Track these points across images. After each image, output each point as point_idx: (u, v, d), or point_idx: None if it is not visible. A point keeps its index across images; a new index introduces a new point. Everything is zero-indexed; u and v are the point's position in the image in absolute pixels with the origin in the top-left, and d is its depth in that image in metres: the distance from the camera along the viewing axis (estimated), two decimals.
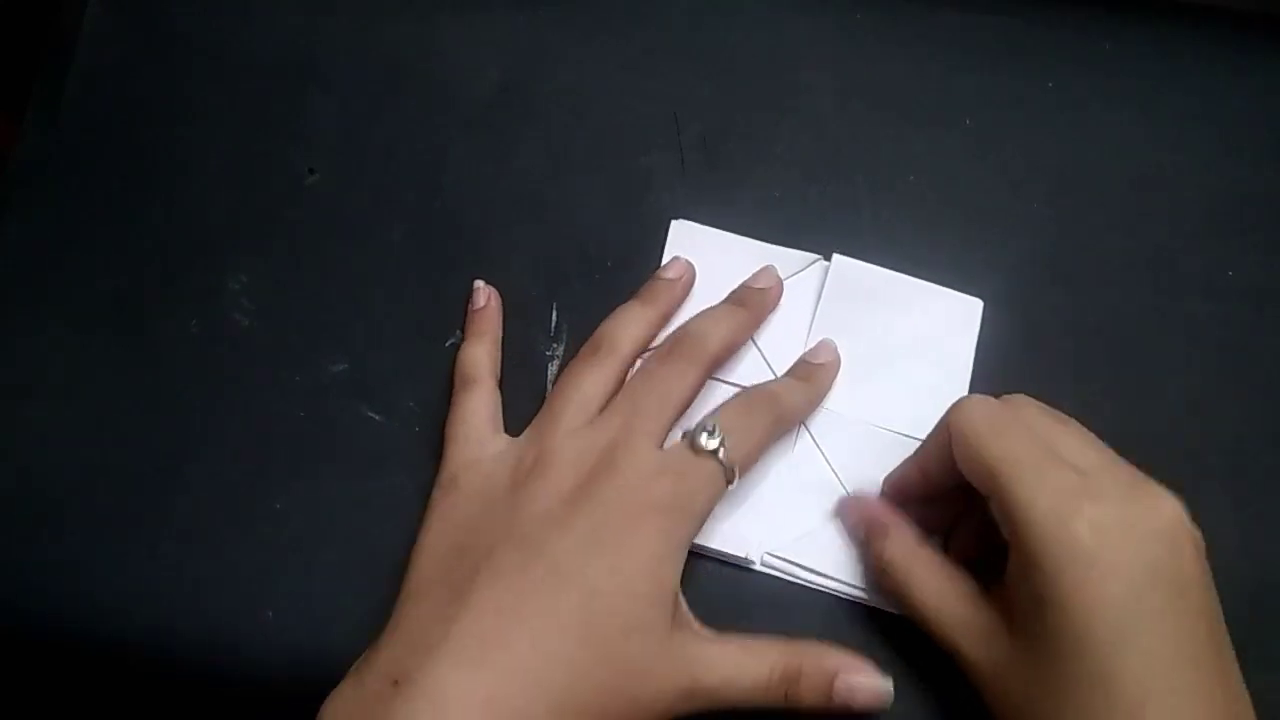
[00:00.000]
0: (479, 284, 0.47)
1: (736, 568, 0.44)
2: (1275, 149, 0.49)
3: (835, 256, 0.47)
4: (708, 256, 0.47)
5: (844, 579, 0.43)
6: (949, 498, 0.42)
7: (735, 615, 0.41)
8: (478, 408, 0.44)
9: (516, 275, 0.48)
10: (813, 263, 0.47)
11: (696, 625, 0.39)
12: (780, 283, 0.46)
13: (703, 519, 0.39)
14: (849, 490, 0.44)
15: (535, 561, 0.36)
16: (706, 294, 0.47)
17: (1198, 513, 0.37)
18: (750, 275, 0.46)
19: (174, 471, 0.46)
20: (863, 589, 0.43)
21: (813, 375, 0.45)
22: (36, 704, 0.45)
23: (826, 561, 0.43)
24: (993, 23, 0.50)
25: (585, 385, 0.42)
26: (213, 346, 0.47)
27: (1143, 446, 0.42)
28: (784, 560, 0.43)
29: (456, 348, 0.46)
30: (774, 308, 0.46)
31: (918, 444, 0.43)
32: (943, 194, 0.48)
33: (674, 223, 0.48)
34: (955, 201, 0.48)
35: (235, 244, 0.49)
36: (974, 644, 0.38)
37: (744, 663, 0.38)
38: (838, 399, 0.45)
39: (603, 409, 0.42)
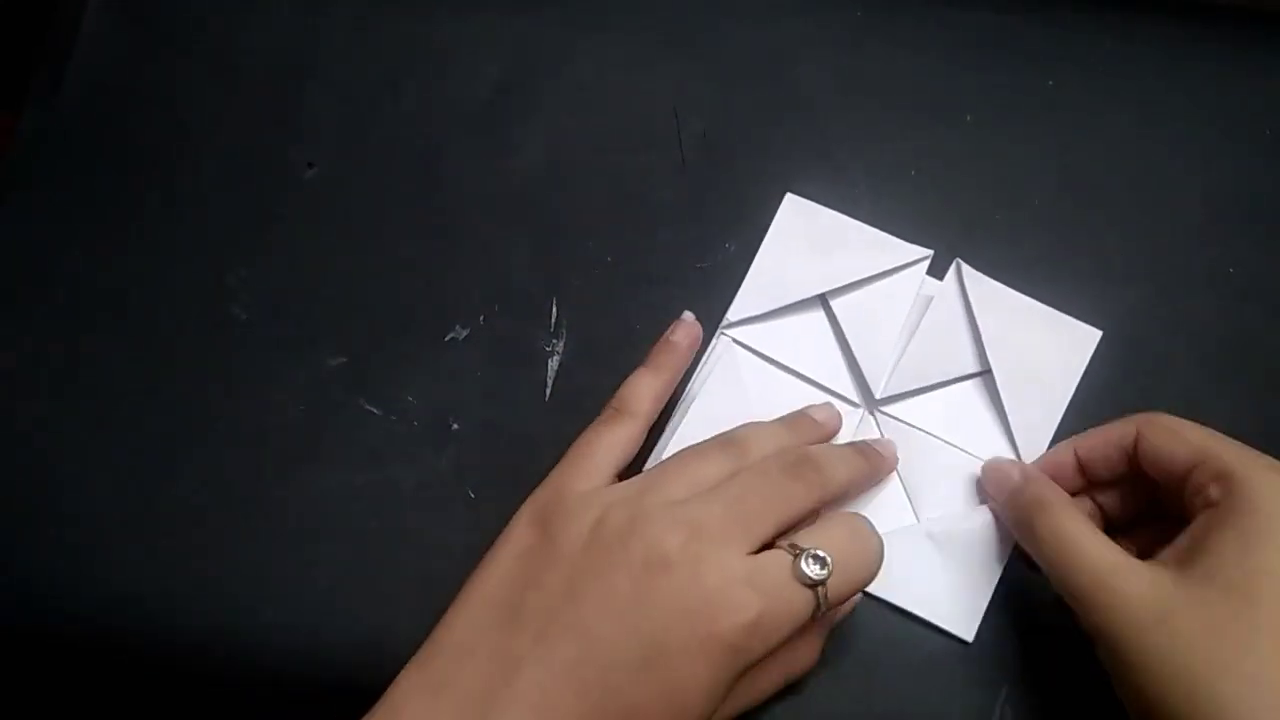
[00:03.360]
0: (687, 315, 0.45)
1: None
2: (1276, 148, 0.49)
3: (961, 264, 0.46)
4: (816, 235, 0.47)
5: (911, 605, 0.43)
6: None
7: None
8: (612, 444, 0.41)
9: (516, 271, 0.48)
10: (923, 258, 0.46)
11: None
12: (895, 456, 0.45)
13: (772, 646, 0.35)
14: (920, 518, 0.44)
15: (587, 665, 0.34)
16: (809, 273, 0.46)
17: None
18: (880, 446, 0.44)
19: (172, 465, 0.46)
20: (926, 611, 0.43)
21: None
22: (36, 700, 0.45)
23: (896, 589, 0.43)
24: (993, 21, 0.50)
25: (708, 470, 0.39)
26: (211, 341, 0.47)
27: None
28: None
29: (456, 342, 0.46)
30: (890, 469, 0.44)
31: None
32: (943, 191, 0.48)
33: (788, 196, 0.48)
34: (955, 199, 0.48)
35: (234, 239, 0.49)
36: (1139, 612, 0.36)
37: (752, 701, 0.39)
38: (917, 413, 0.45)
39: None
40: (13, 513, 0.46)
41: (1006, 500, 0.42)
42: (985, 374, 0.45)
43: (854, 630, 0.43)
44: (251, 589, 0.44)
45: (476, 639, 0.36)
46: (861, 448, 0.43)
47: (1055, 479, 0.42)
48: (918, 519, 0.44)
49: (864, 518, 0.39)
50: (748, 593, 0.34)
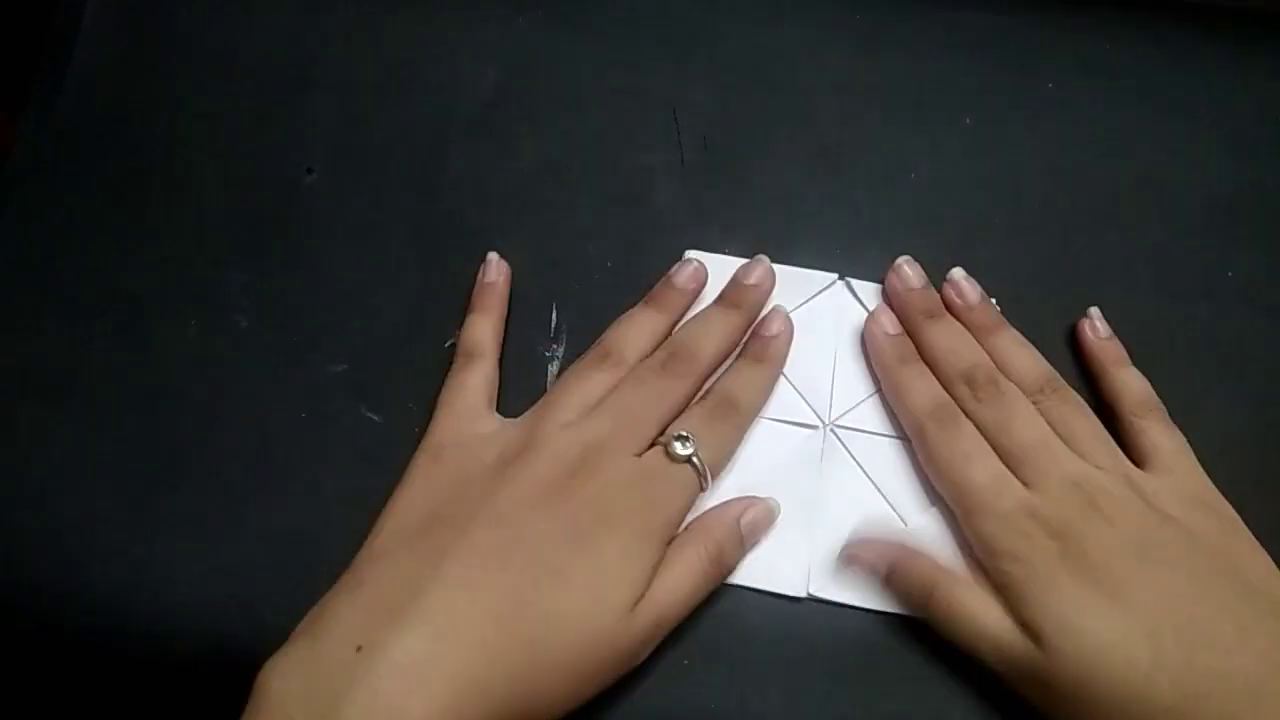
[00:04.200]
0: (492, 256, 0.47)
1: (782, 599, 0.43)
2: (1276, 148, 0.48)
3: (850, 281, 0.47)
4: (722, 281, 0.46)
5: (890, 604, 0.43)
6: None
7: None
8: (476, 383, 0.44)
9: (516, 275, 0.48)
10: (831, 283, 0.47)
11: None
12: (773, 274, 0.46)
13: (677, 521, 0.41)
14: (907, 523, 0.44)
15: (513, 547, 0.37)
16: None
17: None
18: (741, 269, 0.46)
19: (173, 471, 0.46)
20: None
21: (766, 353, 0.45)
22: (35, 700, 0.45)
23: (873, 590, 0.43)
24: (993, 23, 0.50)
25: (589, 388, 0.43)
26: (212, 347, 0.47)
27: None
28: (832, 593, 0.43)
29: (455, 349, 0.46)
30: (767, 301, 0.46)
31: None
32: (943, 194, 0.48)
33: (687, 254, 0.47)
34: (955, 201, 0.48)
35: (234, 244, 0.49)
36: (1008, 653, 0.39)
37: (679, 577, 0.40)
38: (871, 419, 0.45)
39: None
40: (13, 514, 0.46)
41: (886, 578, 0.42)
42: None
43: (857, 631, 0.43)
44: (252, 594, 0.44)
45: (399, 543, 0.39)
46: (726, 297, 0.46)
47: None
48: (905, 524, 0.44)
49: (731, 396, 0.43)
50: (634, 484, 0.40)
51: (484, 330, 0.46)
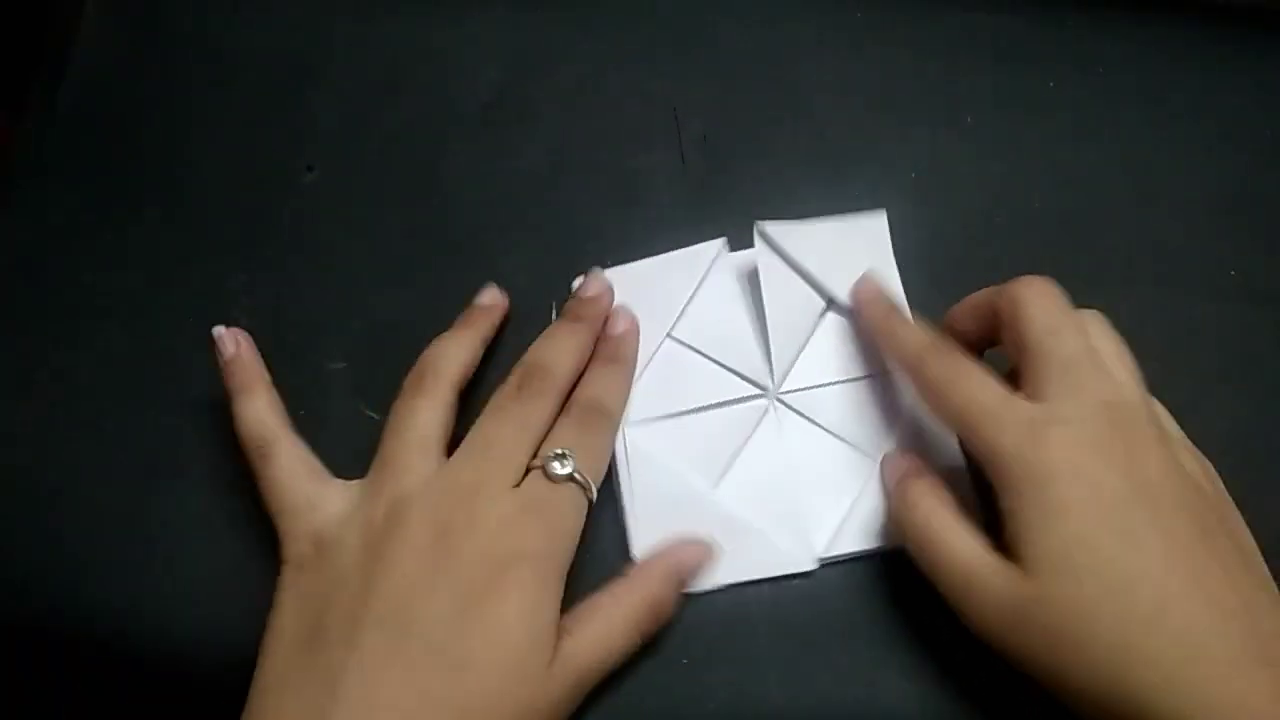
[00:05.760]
0: (219, 331, 0.43)
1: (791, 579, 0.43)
2: (1276, 148, 0.48)
3: (759, 223, 0.45)
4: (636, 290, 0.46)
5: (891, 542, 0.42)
6: None
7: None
8: (290, 467, 0.41)
9: (516, 275, 0.48)
10: (718, 252, 0.46)
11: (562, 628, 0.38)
12: (609, 287, 0.45)
13: (574, 542, 0.39)
14: (855, 446, 0.44)
15: (404, 641, 0.35)
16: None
17: None
18: (580, 286, 0.45)
19: (173, 469, 0.46)
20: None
21: (619, 352, 0.44)
22: (32, 701, 0.45)
23: (874, 534, 0.43)
24: (993, 22, 0.50)
25: (419, 421, 0.40)
26: (211, 345, 0.47)
27: None
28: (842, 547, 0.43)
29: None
30: (609, 309, 0.45)
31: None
32: (943, 191, 0.48)
33: (593, 269, 0.46)
34: (955, 199, 0.48)
35: (233, 242, 0.49)
36: (980, 583, 0.36)
37: (605, 630, 0.39)
38: (813, 373, 0.45)
39: (443, 443, 0.41)
40: (11, 515, 0.46)
41: (892, 490, 0.42)
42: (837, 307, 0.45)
43: (859, 629, 0.43)
44: (250, 594, 0.44)
45: (290, 668, 0.36)
46: (572, 311, 0.44)
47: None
48: (876, 460, 0.44)
49: (594, 402, 0.42)
50: (524, 518, 0.38)
51: (260, 413, 0.42)
